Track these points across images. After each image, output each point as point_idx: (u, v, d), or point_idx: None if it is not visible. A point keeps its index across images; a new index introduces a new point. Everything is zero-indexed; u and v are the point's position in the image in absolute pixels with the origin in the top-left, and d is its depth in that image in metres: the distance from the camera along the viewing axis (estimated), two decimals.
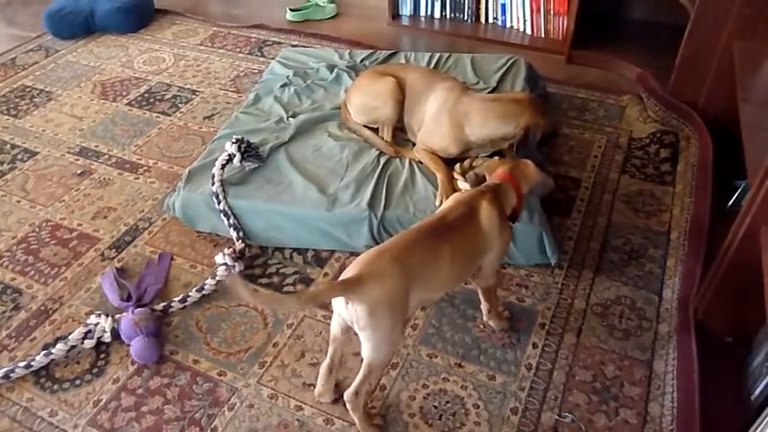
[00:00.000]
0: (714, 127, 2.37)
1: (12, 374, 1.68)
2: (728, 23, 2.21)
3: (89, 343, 1.74)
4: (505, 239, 1.58)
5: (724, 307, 1.66)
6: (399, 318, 1.36)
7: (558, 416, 1.55)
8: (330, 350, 1.51)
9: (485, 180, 1.64)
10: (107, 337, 1.75)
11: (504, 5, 3.31)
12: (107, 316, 1.77)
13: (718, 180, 2.18)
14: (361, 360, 1.39)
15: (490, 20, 3.40)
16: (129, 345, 1.73)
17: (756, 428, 1.35)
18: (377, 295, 1.30)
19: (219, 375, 1.68)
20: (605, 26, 3.20)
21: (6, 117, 2.83)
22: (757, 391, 1.46)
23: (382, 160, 2.16)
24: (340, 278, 1.35)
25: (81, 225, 2.21)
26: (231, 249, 1.98)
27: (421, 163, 2.12)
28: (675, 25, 2.60)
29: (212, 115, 2.76)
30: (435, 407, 1.58)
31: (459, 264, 1.48)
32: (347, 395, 1.43)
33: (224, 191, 2.06)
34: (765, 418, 1.32)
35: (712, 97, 2.40)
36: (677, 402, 1.54)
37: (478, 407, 1.57)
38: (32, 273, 2.03)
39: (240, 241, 2.01)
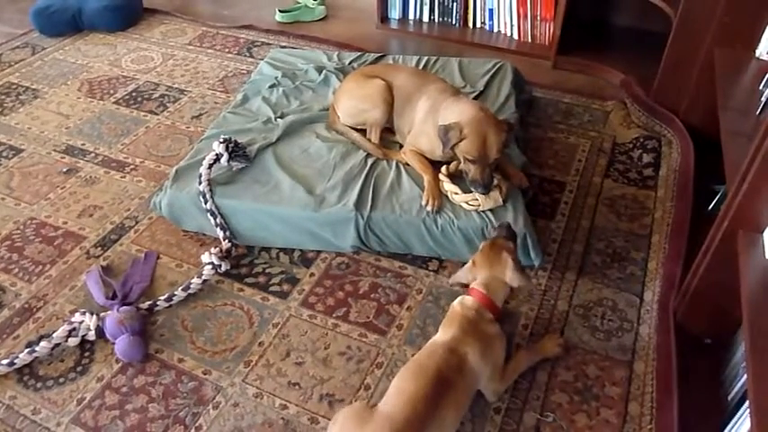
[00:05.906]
0: (696, 132, 2.41)
1: None
2: (710, 32, 2.25)
3: (73, 341, 1.73)
4: (496, 353, 1.53)
5: (703, 309, 1.69)
6: None
7: (540, 415, 1.57)
8: None
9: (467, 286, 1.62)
10: (91, 336, 1.74)
11: (491, 10, 3.34)
12: (92, 314, 1.76)
13: (700, 184, 2.22)
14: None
15: (478, 24, 3.43)
16: (113, 343, 1.73)
17: (732, 428, 1.38)
18: None
19: (205, 374, 1.69)
20: (591, 33, 3.24)
21: None
22: (734, 392, 1.49)
23: (369, 161, 2.17)
24: None
25: (66, 223, 2.20)
26: (218, 249, 1.98)
27: (408, 165, 2.14)
28: (659, 33, 2.65)
29: (200, 115, 2.76)
30: None
31: (461, 408, 1.45)
32: None
33: (211, 190, 2.06)
34: (741, 417, 1.35)
35: (694, 103, 2.44)
36: (656, 402, 1.57)
37: None
38: (17, 270, 2.02)
39: (227, 241, 2.02)
